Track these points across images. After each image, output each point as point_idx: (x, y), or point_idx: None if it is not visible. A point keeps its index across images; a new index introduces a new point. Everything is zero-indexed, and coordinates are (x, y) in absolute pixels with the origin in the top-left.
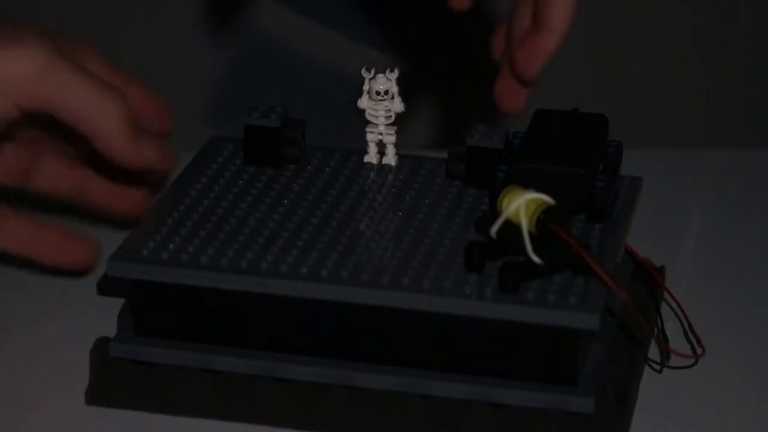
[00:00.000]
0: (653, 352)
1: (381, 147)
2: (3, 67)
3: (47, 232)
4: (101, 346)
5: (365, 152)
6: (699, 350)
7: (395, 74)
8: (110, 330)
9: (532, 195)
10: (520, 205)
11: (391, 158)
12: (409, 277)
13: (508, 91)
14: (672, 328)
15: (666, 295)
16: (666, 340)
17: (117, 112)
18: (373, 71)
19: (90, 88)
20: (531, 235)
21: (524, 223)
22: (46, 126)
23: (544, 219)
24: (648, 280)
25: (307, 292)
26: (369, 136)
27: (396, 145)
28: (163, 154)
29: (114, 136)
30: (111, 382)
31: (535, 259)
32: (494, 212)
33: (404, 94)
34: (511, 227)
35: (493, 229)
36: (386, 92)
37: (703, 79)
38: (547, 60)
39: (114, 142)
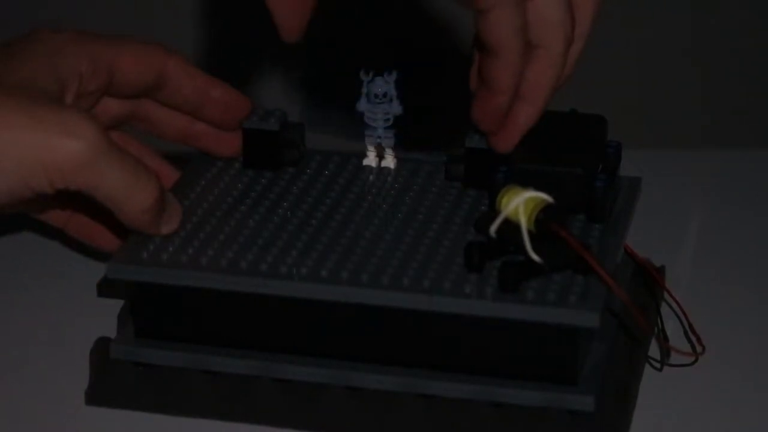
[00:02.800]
0: (653, 351)
1: (380, 150)
2: (48, 153)
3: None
4: (101, 346)
5: (364, 155)
6: (699, 349)
7: (393, 77)
8: (110, 330)
9: (531, 193)
10: (519, 203)
11: (389, 161)
12: (408, 277)
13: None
14: (672, 328)
15: (666, 296)
16: (666, 339)
17: (144, 198)
18: (371, 74)
19: (123, 178)
20: (530, 233)
21: (523, 222)
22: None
23: (543, 218)
24: (648, 280)
25: (306, 292)
26: (368, 139)
27: (394, 148)
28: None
29: (137, 219)
30: (111, 382)
31: (535, 257)
32: (494, 212)
33: (402, 97)
34: (511, 226)
35: (493, 229)
36: (384, 95)
37: (703, 80)
38: (525, 130)
39: (136, 222)
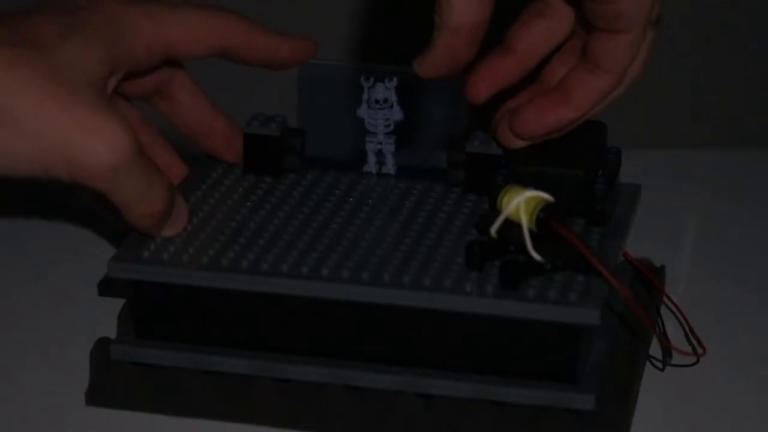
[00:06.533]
0: (656, 352)
1: (380, 156)
2: (76, 153)
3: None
4: (101, 346)
5: (364, 161)
6: (700, 351)
7: (394, 83)
8: (110, 330)
9: (532, 192)
10: (520, 202)
11: (390, 167)
12: (409, 275)
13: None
14: (672, 332)
15: (666, 300)
16: (667, 339)
17: (152, 205)
18: (372, 80)
19: (138, 188)
20: (531, 232)
21: (524, 220)
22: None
23: (543, 216)
24: (647, 286)
25: (307, 290)
26: (368, 146)
27: (395, 154)
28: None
29: (141, 222)
30: (111, 382)
31: (536, 256)
32: (494, 213)
33: (403, 103)
34: (512, 226)
35: (494, 228)
36: (385, 101)
37: (702, 80)
38: (554, 129)
39: (139, 224)
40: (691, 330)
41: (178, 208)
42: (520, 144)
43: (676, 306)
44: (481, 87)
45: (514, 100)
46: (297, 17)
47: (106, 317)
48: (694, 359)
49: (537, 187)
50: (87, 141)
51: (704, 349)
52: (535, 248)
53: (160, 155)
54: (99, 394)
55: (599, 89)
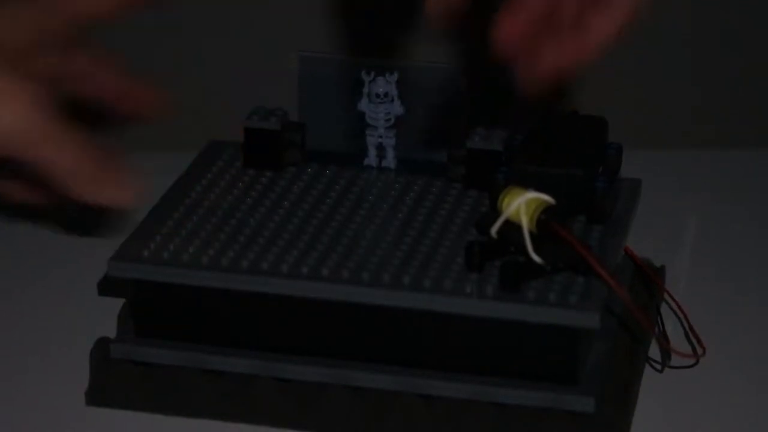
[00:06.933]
0: (654, 353)
1: (381, 150)
2: None
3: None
4: (101, 346)
5: (365, 155)
6: (700, 351)
7: (395, 77)
8: (110, 330)
9: (532, 194)
10: (521, 204)
11: (390, 161)
12: (409, 276)
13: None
14: (672, 329)
15: (666, 297)
16: (667, 340)
17: (71, 157)
18: (372, 74)
19: (50, 141)
20: (531, 234)
21: (525, 222)
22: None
23: (544, 218)
24: (648, 282)
25: (307, 291)
26: (369, 140)
27: (396, 148)
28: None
29: (68, 179)
30: (111, 382)
31: (536, 258)
32: (494, 212)
33: (404, 97)
34: (512, 227)
35: (494, 229)
36: (386, 95)
37: (702, 80)
38: (572, 66)
39: (69, 183)
40: (691, 329)
41: (118, 173)
42: (539, 87)
43: (676, 303)
44: (511, 23)
45: (528, 40)
46: (297, 13)
47: (106, 317)
48: (693, 361)
49: (537, 185)
50: None
51: (704, 348)
52: (536, 250)
53: (118, 85)
54: (99, 394)
55: (614, 20)
